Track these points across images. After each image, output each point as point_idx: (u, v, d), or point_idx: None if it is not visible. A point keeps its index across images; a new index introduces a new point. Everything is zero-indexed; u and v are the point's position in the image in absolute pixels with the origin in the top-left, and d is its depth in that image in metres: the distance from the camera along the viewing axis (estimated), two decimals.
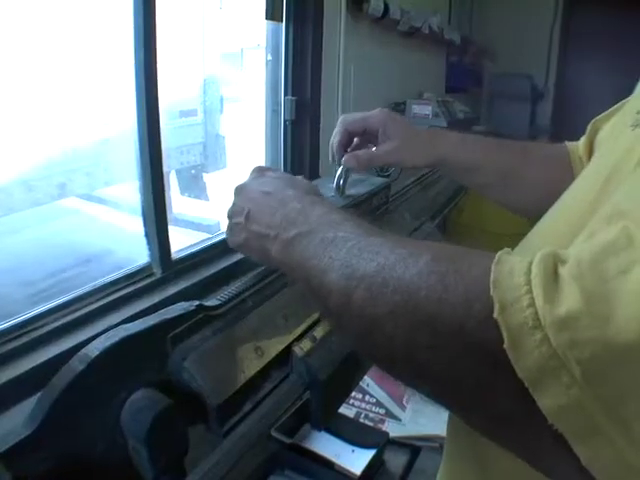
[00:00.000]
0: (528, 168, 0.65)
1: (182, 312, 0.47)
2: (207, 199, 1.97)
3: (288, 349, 0.53)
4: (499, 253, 0.28)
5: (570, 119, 2.75)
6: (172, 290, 0.88)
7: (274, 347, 0.52)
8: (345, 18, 1.49)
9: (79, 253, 1.06)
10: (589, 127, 0.59)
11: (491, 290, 0.26)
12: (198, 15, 1.86)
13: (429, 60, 2.38)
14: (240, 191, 0.52)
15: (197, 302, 0.49)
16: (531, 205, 0.56)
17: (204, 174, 1.97)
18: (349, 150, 0.64)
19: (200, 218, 1.67)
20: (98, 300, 0.77)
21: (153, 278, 0.87)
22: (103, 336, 0.43)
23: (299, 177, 0.55)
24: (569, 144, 0.64)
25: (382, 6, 1.61)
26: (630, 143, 0.36)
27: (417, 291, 0.29)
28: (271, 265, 0.49)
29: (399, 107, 1.95)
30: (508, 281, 0.26)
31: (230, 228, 0.52)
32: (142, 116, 0.84)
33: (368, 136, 0.65)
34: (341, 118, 0.65)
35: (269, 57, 1.32)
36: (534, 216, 0.49)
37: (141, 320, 0.45)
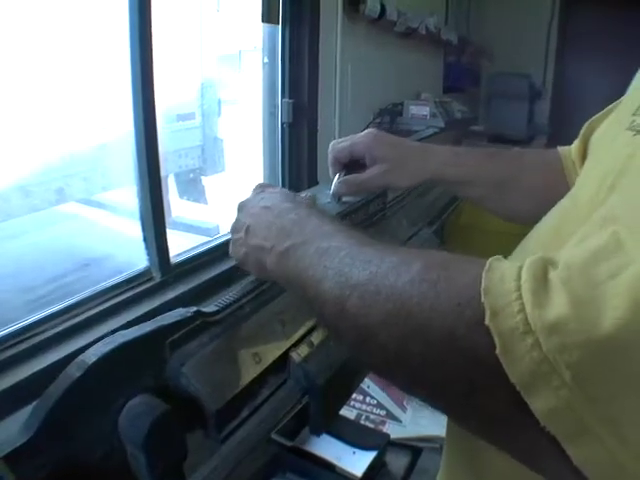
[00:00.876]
0: (525, 175, 0.65)
1: (179, 318, 0.47)
2: (206, 202, 1.97)
3: (286, 355, 0.53)
4: (490, 260, 0.29)
5: (568, 118, 2.75)
6: (171, 294, 0.88)
7: (272, 353, 0.52)
8: (341, 20, 1.48)
9: (78, 258, 1.06)
10: (584, 128, 0.59)
11: (482, 297, 0.26)
12: (195, 18, 1.86)
13: (426, 60, 2.38)
14: (242, 207, 0.54)
15: (195, 308, 0.49)
16: (527, 212, 0.56)
17: (202, 177, 1.96)
18: (342, 174, 0.64)
19: (199, 221, 1.66)
20: (98, 305, 0.78)
21: (152, 282, 0.87)
22: (100, 343, 0.43)
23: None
24: (561, 149, 0.64)
25: (379, 7, 1.61)
26: (632, 149, 0.36)
27: (409, 299, 0.30)
28: (268, 278, 0.49)
29: (397, 108, 1.95)
30: (499, 288, 0.27)
31: (232, 243, 0.53)
32: (139, 120, 0.84)
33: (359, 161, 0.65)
34: (330, 146, 0.65)
35: (266, 60, 1.32)
36: (530, 223, 0.49)
37: (138, 326, 0.45)
